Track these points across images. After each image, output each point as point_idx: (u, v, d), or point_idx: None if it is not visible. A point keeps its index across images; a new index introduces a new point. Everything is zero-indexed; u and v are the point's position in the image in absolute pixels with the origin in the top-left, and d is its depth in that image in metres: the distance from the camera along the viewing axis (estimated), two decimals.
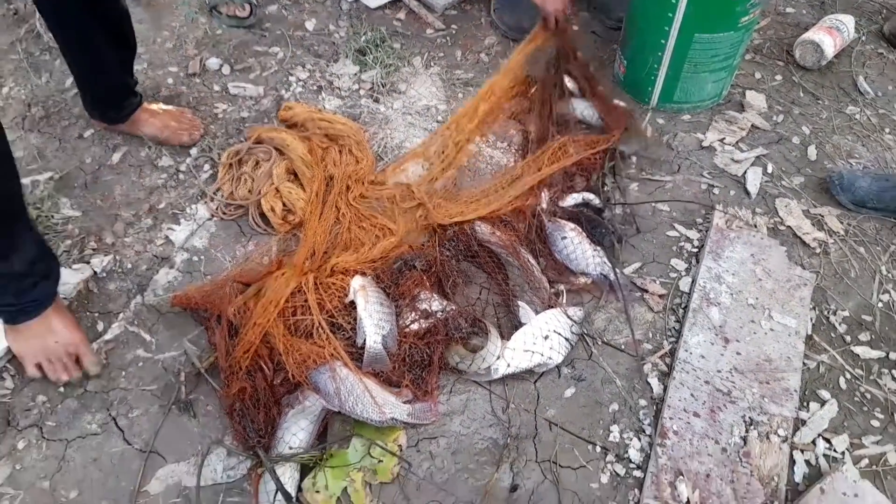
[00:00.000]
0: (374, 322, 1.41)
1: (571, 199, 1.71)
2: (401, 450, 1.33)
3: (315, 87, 2.02)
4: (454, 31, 2.26)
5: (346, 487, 1.28)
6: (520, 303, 1.52)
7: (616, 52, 2.15)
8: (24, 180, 1.71)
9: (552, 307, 1.53)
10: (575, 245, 1.60)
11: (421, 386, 1.41)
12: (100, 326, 1.49)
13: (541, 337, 1.45)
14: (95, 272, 1.56)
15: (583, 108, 1.98)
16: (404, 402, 1.36)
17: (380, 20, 2.26)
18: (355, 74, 2.07)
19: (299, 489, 1.27)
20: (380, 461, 1.31)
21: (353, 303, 1.45)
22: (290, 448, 1.27)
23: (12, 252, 1.23)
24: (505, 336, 1.47)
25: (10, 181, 1.21)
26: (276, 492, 1.21)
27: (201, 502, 1.24)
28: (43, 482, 1.28)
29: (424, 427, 1.38)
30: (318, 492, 1.27)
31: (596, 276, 1.60)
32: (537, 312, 1.51)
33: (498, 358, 1.43)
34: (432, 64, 2.14)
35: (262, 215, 1.68)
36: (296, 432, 1.30)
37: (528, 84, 2.04)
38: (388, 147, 1.90)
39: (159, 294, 1.54)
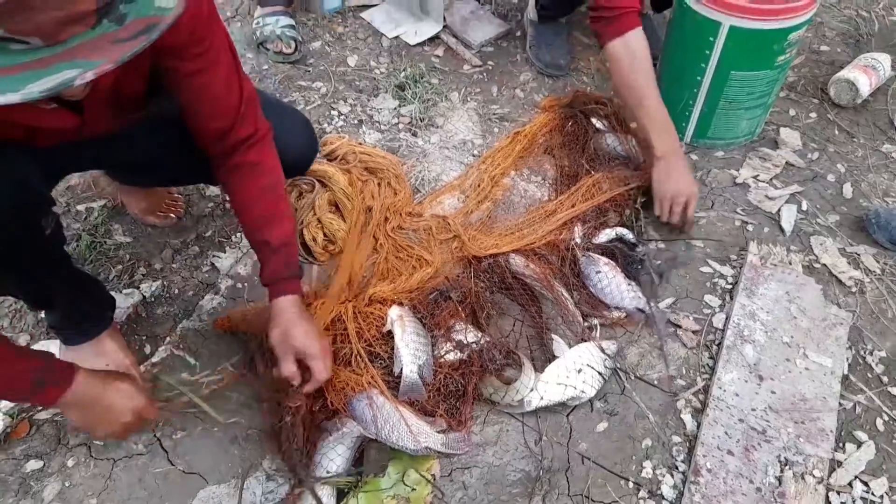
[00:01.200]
0: (410, 352, 1.44)
1: (605, 235, 1.74)
2: (434, 479, 1.36)
3: (356, 121, 2.10)
4: (490, 68, 2.32)
5: None
6: (553, 336, 1.55)
7: None
8: (80, 207, 1.80)
9: (585, 341, 1.55)
10: (609, 279, 1.63)
11: (455, 416, 1.44)
12: (147, 349, 1.55)
13: (574, 370, 1.47)
14: (144, 297, 1.62)
15: (616, 144, 2.01)
16: (439, 432, 1.38)
17: (419, 57, 2.33)
18: (395, 109, 2.14)
19: None
20: (413, 489, 1.33)
21: (390, 332, 1.49)
22: (328, 472, 1.30)
23: (56, 291, 1.29)
24: (538, 368, 1.49)
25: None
26: None
27: None
28: (90, 500, 1.33)
29: (458, 457, 1.40)
30: None
31: (631, 310, 1.61)
32: (570, 346, 1.53)
33: (531, 390, 1.45)
34: (469, 99, 2.20)
35: (304, 245, 1.74)
36: (333, 458, 1.33)
37: (564, 120, 2.09)
38: (426, 180, 1.95)
39: (204, 319, 1.60)
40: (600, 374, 1.49)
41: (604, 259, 1.67)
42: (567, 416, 1.48)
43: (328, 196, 1.78)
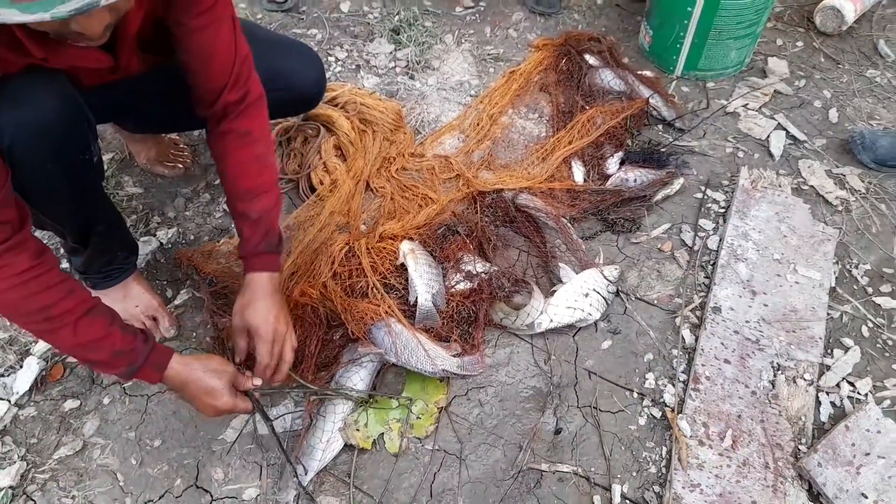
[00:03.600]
0: (424, 282, 1.52)
1: (615, 161, 1.80)
2: (440, 413, 1.44)
3: (353, 67, 2.12)
4: (482, 9, 2.34)
5: (383, 433, 1.39)
6: (560, 264, 1.62)
7: (641, 22, 2.22)
8: None
9: (589, 267, 1.63)
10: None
11: (468, 340, 1.52)
12: (169, 293, 1.62)
13: (581, 295, 1.55)
14: (161, 244, 1.68)
15: (609, 78, 2.06)
16: (453, 356, 1.47)
17: (410, 0, 2.34)
18: (391, 53, 2.16)
19: (344, 424, 1.38)
20: (418, 417, 1.42)
21: (403, 265, 1.56)
22: (352, 386, 1.39)
23: (96, 223, 1.34)
24: (544, 294, 1.57)
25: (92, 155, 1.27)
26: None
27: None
28: (129, 433, 1.41)
29: (473, 378, 1.49)
30: (357, 430, 1.38)
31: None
32: (577, 272, 1.61)
33: (541, 314, 1.53)
34: (463, 41, 2.23)
35: (312, 188, 1.79)
36: (356, 382, 1.41)
37: (558, 57, 2.13)
38: (426, 121, 1.99)
39: (221, 262, 1.66)
40: (604, 298, 1.58)
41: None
42: (573, 336, 1.57)
43: (333, 140, 1.82)
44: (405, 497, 1.32)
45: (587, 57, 2.11)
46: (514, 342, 1.55)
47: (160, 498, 1.32)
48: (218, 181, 1.83)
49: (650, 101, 2.00)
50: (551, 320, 1.53)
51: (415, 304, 1.51)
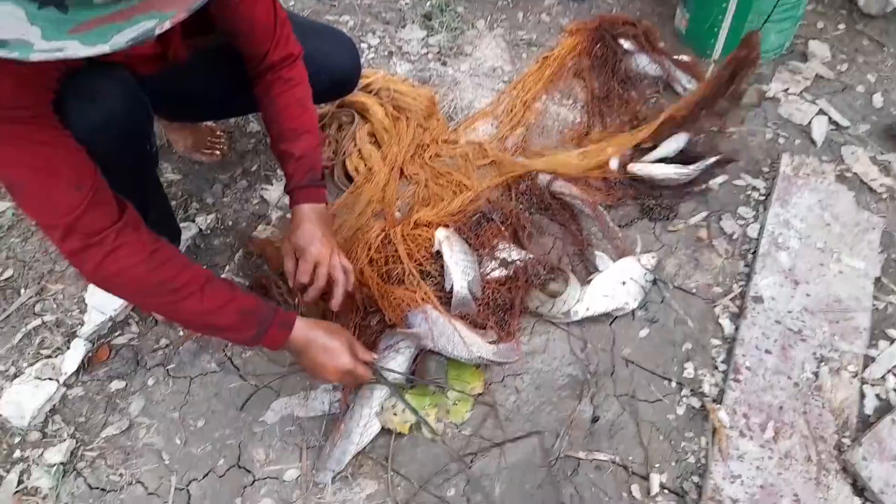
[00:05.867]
0: (460, 269, 1.52)
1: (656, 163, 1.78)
2: (475, 399, 1.44)
3: (386, 53, 2.12)
4: None
5: (417, 421, 1.40)
6: (597, 252, 1.61)
7: (677, 6, 2.18)
8: None
9: (626, 256, 1.61)
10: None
11: (504, 328, 1.52)
12: None
13: (619, 283, 1.54)
14: (200, 230, 1.70)
15: (645, 63, 2.02)
16: (490, 343, 1.47)
17: None
18: (423, 39, 2.15)
19: (381, 408, 1.39)
20: (455, 403, 1.43)
21: (439, 253, 1.56)
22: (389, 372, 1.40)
23: (150, 209, 1.37)
24: (580, 282, 1.56)
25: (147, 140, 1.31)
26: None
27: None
28: (173, 413, 1.44)
29: (509, 365, 1.49)
30: (395, 415, 1.39)
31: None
32: (613, 261, 1.60)
33: (577, 302, 1.53)
34: (495, 26, 2.21)
35: (347, 175, 1.79)
36: (393, 368, 1.42)
37: (592, 42, 2.10)
38: (458, 108, 1.98)
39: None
40: (642, 286, 1.56)
41: None
42: (610, 324, 1.56)
43: (367, 128, 1.82)
44: (442, 482, 1.33)
45: (622, 41, 2.07)
46: (549, 330, 1.55)
47: (204, 477, 1.35)
48: (254, 167, 1.85)
49: (686, 85, 1.97)
50: (588, 308, 1.52)
51: (451, 292, 1.51)
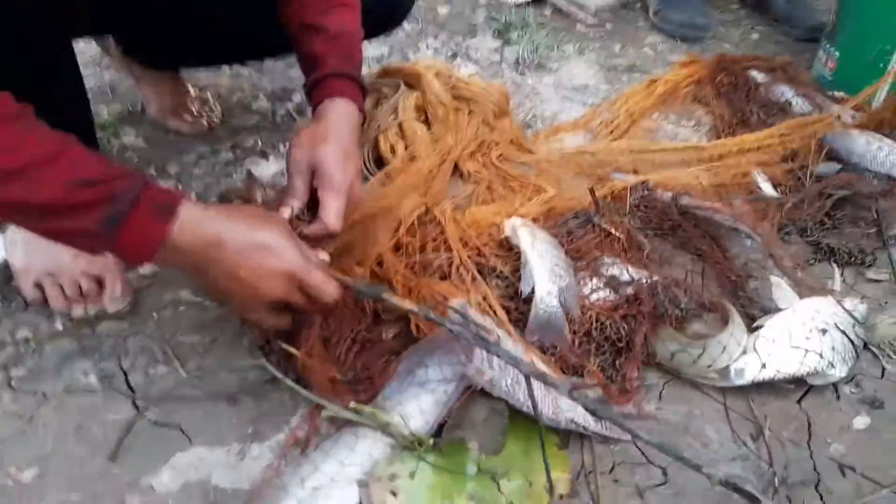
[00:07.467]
0: (547, 267, 0.90)
1: None
2: (561, 497, 0.75)
3: (449, 54, 1.67)
4: (609, 29, 1.90)
5: None
6: (773, 277, 0.98)
7: (818, 50, 1.72)
8: None
9: (815, 295, 0.98)
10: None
11: (614, 378, 0.86)
12: None
13: (816, 330, 0.89)
14: None
15: (790, 95, 1.53)
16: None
17: (521, 15, 1.93)
18: (496, 49, 1.71)
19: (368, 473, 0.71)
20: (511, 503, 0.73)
21: (508, 242, 0.96)
22: (400, 418, 0.73)
23: None
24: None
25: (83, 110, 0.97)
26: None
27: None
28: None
29: (621, 444, 0.81)
30: (394, 493, 0.70)
31: None
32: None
33: (743, 353, 0.87)
34: (586, 52, 1.77)
35: (378, 160, 1.25)
36: (413, 415, 0.75)
37: (714, 72, 1.63)
38: (540, 117, 1.48)
39: None
40: (851, 341, 0.91)
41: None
42: (798, 402, 0.88)
43: (416, 98, 1.30)
44: None
45: (753, 73, 1.61)
46: (692, 396, 0.88)
47: None
48: (248, 143, 1.32)
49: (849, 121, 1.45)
50: (764, 365, 0.86)
51: (528, 300, 0.88)
